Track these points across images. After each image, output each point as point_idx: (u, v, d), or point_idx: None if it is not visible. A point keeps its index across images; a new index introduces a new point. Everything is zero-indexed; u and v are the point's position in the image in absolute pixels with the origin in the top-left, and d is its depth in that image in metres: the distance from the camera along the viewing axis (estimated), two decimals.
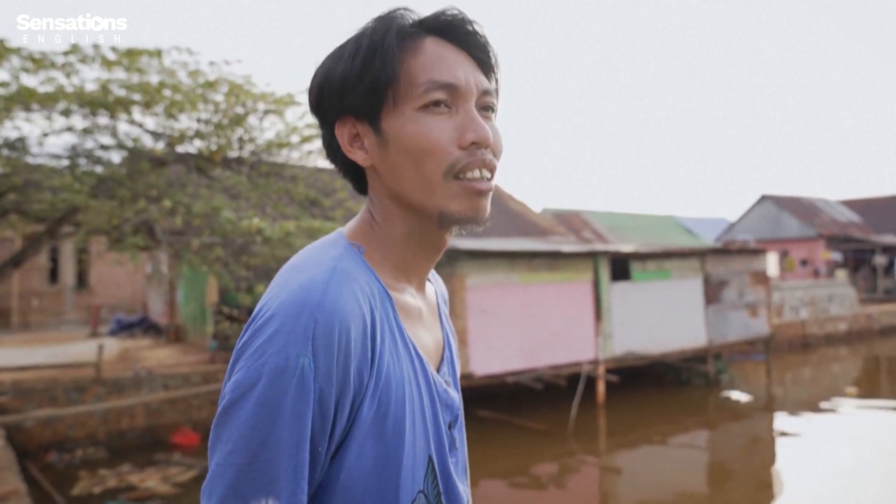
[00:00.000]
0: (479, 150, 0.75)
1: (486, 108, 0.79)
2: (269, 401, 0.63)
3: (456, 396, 0.84)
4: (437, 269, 8.53)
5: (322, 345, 0.64)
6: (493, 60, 0.81)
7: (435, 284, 0.95)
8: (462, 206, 0.75)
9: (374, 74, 0.73)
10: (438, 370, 0.84)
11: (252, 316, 0.69)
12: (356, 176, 0.83)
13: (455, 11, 0.78)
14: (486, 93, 0.78)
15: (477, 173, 0.75)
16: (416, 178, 0.75)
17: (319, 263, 0.71)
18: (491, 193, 0.77)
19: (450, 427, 0.81)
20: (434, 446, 0.77)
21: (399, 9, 0.78)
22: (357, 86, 0.74)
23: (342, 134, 0.78)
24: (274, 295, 0.69)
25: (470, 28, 0.78)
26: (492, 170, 0.77)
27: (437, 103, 0.74)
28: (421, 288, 0.85)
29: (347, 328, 0.66)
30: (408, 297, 0.81)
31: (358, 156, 0.78)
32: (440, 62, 0.75)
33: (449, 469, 0.79)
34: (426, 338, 0.83)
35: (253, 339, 0.66)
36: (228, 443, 0.64)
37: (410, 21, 0.77)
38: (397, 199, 0.78)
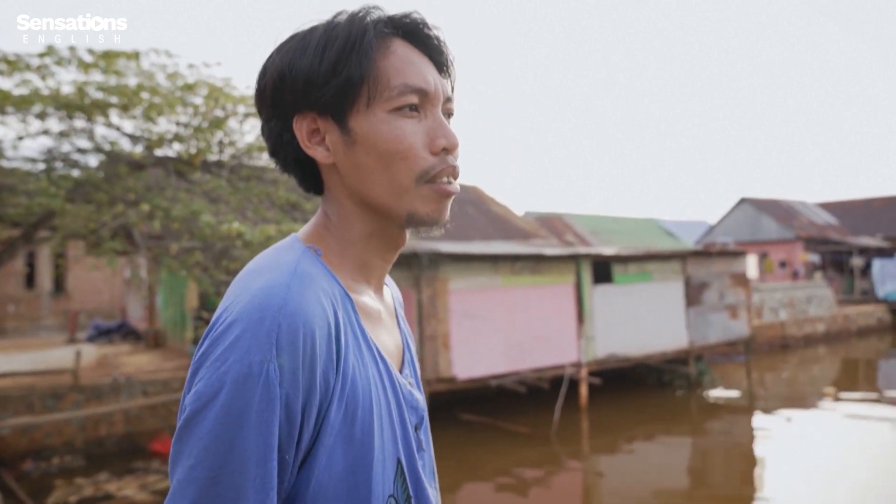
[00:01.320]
0: (449, 157, 0.76)
1: (448, 115, 0.80)
2: (232, 410, 0.60)
3: (420, 398, 0.83)
4: (420, 272, 8.50)
5: (287, 349, 0.62)
6: (449, 64, 0.81)
7: (391, 289, 0.94)
8: (430, 208, 0.76)
9: (349, 72, 0.72)
10: (401, 372, 0.83)
11: (210, 324, 0.67)
12: (305, 173, 0.80)
13: (417, 15, 0.78)
14: (448, 99, 0.79)
15: (446, 179, 0.76)
16: (385, 180, 0.74)
17: (278, 266, 0.70)
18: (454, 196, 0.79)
19: (416, 429, 0.80)
20: (402, 449, 0.76)
21: (371, 7, 0.77)
22: (328, 82, 0.72)
23: (301, 128, 0.76)
24: (233, 301, 0.67)
25: (431, 32, 0.79)
26: (457, 175, 0.78)
27: (410, 107, 0.74)
28: (379, 290, 0.85)
29: (312, 331, 0.64)
30: (367, 298, 0.80)
31: (318, 152, 0.76)
32: (411, 66, 0.75)
33: (418, 471, 0.78)
34: (387, 340, 0.82)
35: (213, 347, 0.64)
36: (190, 457, 0.61)
37: (383, 20, 0.76)
38: (360, 198, 0.77)
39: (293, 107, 0.75)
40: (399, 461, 0.75)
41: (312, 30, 0.75)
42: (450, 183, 0.77)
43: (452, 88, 0.82)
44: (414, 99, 0.74)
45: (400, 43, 0.76)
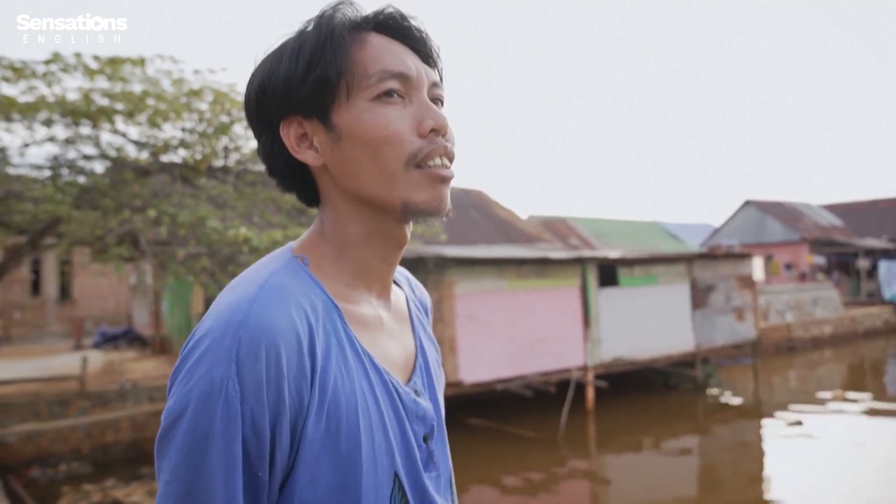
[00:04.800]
0: (438, 138, 0.74)
1: (436, 101, 0.79)
2: (197, 428, 0.61)
3: (428, 406, 0.80)
4: (426, 277, 8.46)
5: (247, 365, 0.62)
6: (434, 54, 0.80)
7: (406, 290, 0.92)
8: (426, 195, 0.73)
9: (324, 68, 0.72)
10: (409, 380, 0.80)
11: (186, 340, 0.67)
12: (302, 185, 0.80)
13: (392, 9, 0.78)
14: (434, 84, 0.78)
15: (438, 161, 0.74)
16: (375, 171, 0.72)
17: (251, 281, 0.69)
18: (451, 182, 0.76)
19: (426, 440, 0.78)
20: (402, 462, 0.73)
21: (340, 3, 0.77)
22: (305, 80, 0.72)
23: (288, 135, 0.75)
24: (206, 317, 0.67)
25: (409, 23, 0.78)
26: (451, 158, 0.76)
27: (390, 93, 0.73)
28: (383, 295, 0.82)
29: (276, 345, 0.63)
30: (364, 306, 0.77)
31: (308, 156, 0.75)
32: (389, 53, 0.74)
33: (424, 485, 0.75)
34: (390, 347, 0.79)
35: (183, 363, 0.64)
36: (166, 472, 0.63)
37: (356, 15, 0.77)
38: (354, 196, 0.75)
39: (278, 114, 0.75)
40: (397, 475, 0.72)
41: (289, 39, 0.76)
42: (445, 166, 0.74)
43: (441, 78, 0.81)
44: (395, 84, 0.73)
45: (376, 35, 0.76)
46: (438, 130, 0.74)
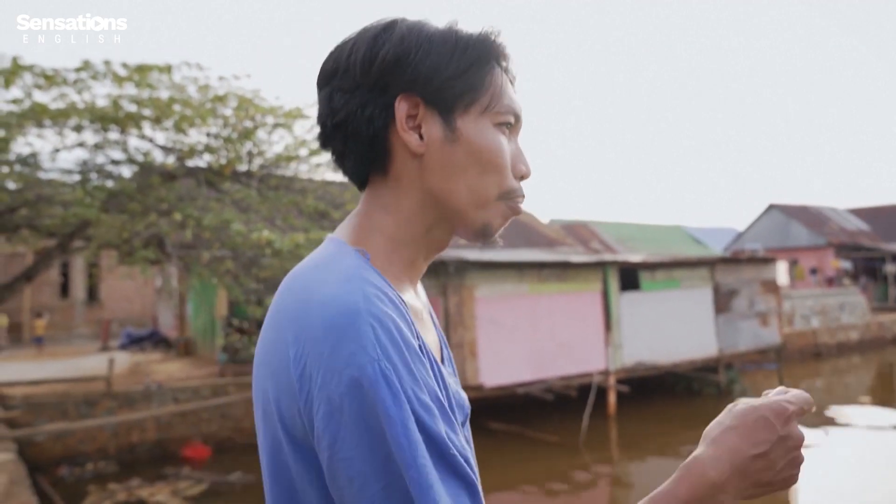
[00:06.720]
0: (522, 183, 0.80)
1: None
2: (365, 415, 0.59)
3: (465, 394, 0.83)
4: (446, 280, 8.42)
5: (390, 347, 0.61)
6: None
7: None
8: (500, 223, 0.79)
9: (482, 76, 0.76)
10: None
11: (269, 349, 0.66)
12: (364, 156, 0.77)
13: (510, 50, 0.81)
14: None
15: (518, 203, 0.80)
16: (473, 187, 0.75)
17: (341, 272, 0.67)
18: None
19: (462, 426, 0.80)
20: None
21: (499, 29, 0.80)
22: (459, 76, 0.74)
23: (402, 109, 0.74)
24: (299, 319, 0.65)
25: (515, 70, 0.82)
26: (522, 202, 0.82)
27: (508, 125, 0.78)
28: (415, 289, 0.84)
29: (401, 329, 0.63)
30: (411, 298, 0.79)
31: (412, 138, 0.75)
32: (511, 90, 0.79)
33: (472, 467, 0.76)
34: (430, 338, 0.81)
35: (311, 367, 0.61)
36: (353, 481, 0.59)
37: (506, 45, 0.80)
38: (436, 196, 0.76)
39: (403, 86, 0.74)
40: None
41: (423, 24, 0.77)
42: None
43: None
44: (512, 119, 0.78)
45: (499, 68, 0.80)
46: (525, 178, 0.80)
